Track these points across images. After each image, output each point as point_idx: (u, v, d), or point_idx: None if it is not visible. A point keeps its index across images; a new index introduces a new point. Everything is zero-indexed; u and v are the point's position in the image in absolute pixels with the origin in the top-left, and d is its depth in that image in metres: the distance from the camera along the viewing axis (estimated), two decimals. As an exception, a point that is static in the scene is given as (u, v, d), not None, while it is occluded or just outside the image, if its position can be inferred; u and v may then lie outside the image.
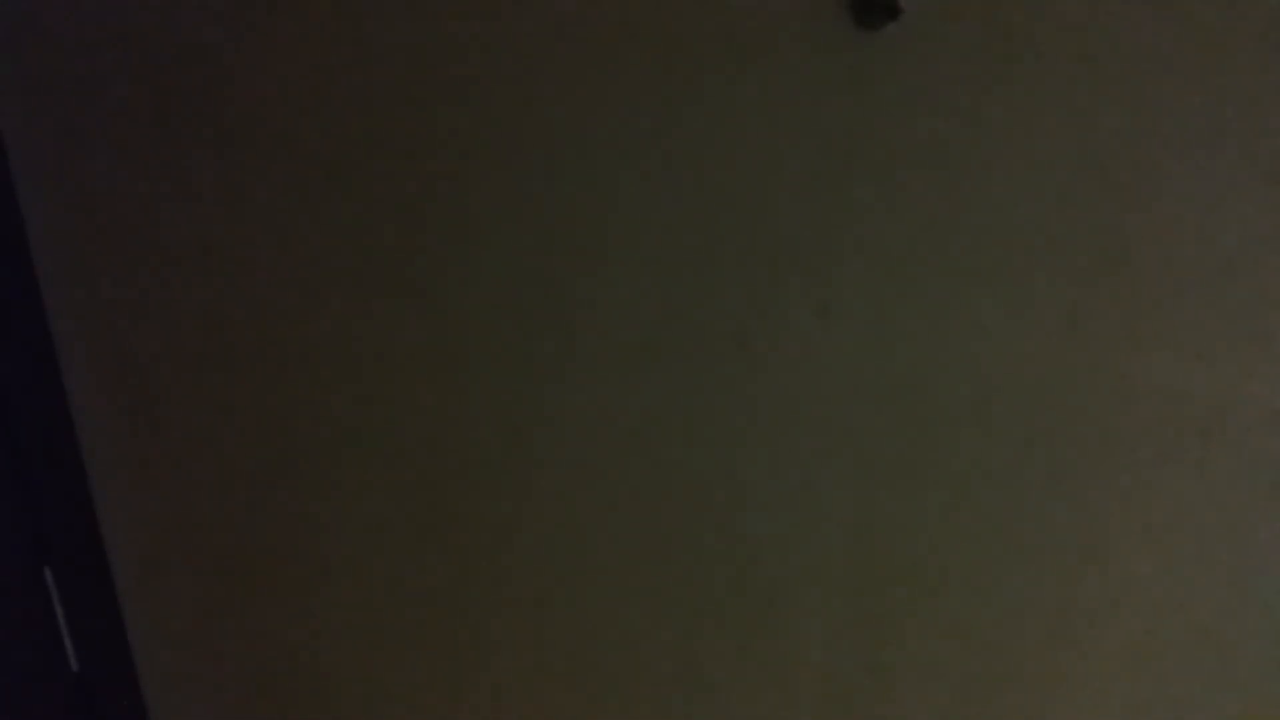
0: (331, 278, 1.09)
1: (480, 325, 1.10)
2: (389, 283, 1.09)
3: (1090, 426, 1.13)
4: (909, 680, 1.24)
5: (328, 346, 1.11)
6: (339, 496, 1.17)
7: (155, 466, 1.16)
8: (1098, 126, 1.03)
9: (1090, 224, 1.06)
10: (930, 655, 1.23)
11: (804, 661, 1.23)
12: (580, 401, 1.13)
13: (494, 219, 1.07)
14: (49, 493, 1.13)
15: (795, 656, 1.23)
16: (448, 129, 1.04)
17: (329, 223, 1.07)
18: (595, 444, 1.15)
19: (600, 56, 1.02)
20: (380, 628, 1.22)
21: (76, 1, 0.99)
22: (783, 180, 1.06)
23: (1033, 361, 1.11)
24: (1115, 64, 1.01)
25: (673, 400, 1.13)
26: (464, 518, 1.18)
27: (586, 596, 1.21)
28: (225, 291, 1.09)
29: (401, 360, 1.12)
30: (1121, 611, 1.20)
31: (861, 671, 1.24)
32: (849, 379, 1.12)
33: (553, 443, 1.15)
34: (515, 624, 1.22)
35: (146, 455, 1.15)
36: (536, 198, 1.06)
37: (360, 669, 1.24)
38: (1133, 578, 1.18)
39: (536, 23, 1.01)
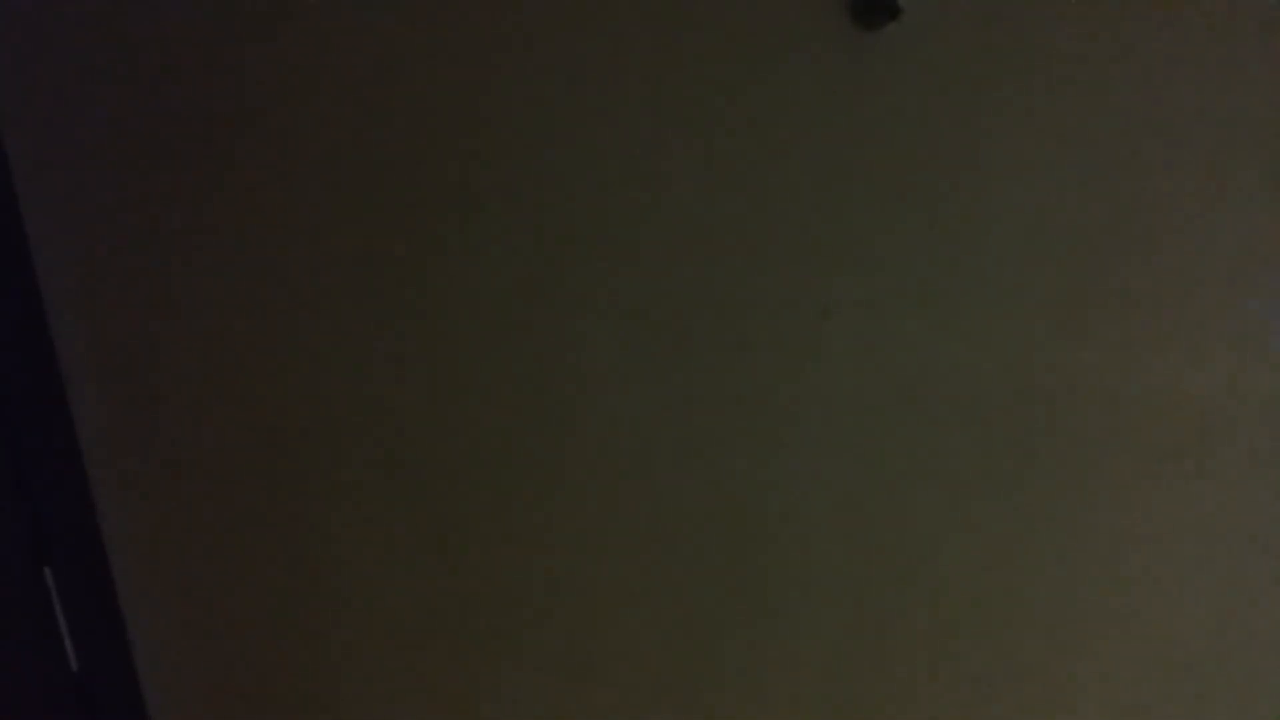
0: (332, 279, 1.09)
1: (481, 326, 1.10)
2: (391, 285, 1.09)
3: (1091, 427, 1.13)
4: (910, 681, 1.24)
5: (329, 347, 1.11)
6: (340, 497, 1.17)
7: (155, 466, 1.16)
8: (1097, 126, 1.03)
9: (1090, 224, 1.06)
10: (931, 656, 1.23)
11: (805, 661, 1.23)
12: (580, 402, 1.13)
13: (495, 221, 1.07)
14: (49, 493, 1.13)
15: (796, 656, 1.23)
16: (448, 132, 1.04)
17: (330, 224, 1.07)
18: (595, 445, 1.15)
19: (600, 57, 1.02)
20: (380, 628, 1.22)
21: (77, 2, 0.99)
22: (783, 180, 1.06)
23: (1033, 362, 1.11)
24: (1114, 64, 1.01)
25: (673, 400, 1.13)
26: (464, 518, 1.18)
27: (585, 596, 1.21)
28: (226, 292, 1.09)
29: (402, 361, 1.12)
30: (1122, 611, 1.20)
31: (862, 672, 1.24)
32: (849, 380, 1.12)
33: (552, 444, 1.15)
34: (515, 624, 1.22)
35: (146, 455, 1.15)
36: (537, 199, 1.06)
37: (361, 669, 1.24)
38: (1133, 578, 1.18)
39: (537, 23, 1.01)
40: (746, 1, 1.00)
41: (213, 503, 1.17)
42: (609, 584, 1.21)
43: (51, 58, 1.01)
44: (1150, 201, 1.05)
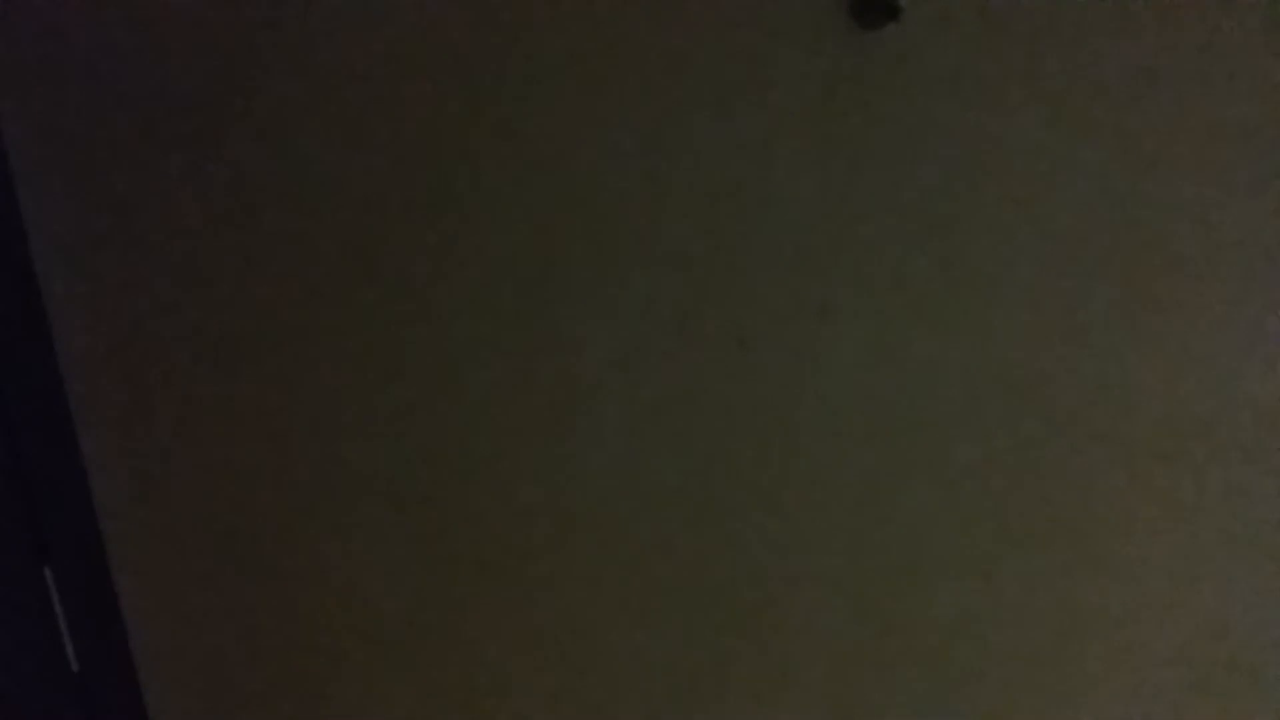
0: (333, 279, 1.09)
1: (480, 325, 1.10)
2: (390, 283, 1.09)
3: (1090, 427, 1.13)
4: (910, 681, 1.24)
5: (328, 345, 1.11)
6: (340, 497, 1.17)
7: (155, 467, 1.16)
8: (1097, 126, 1.03)
9: (1090, 224, 1.06)
10: (931, 656, 1.23)
11: (804, 662, 1.23)
12: (580, 401, 1.13)
13: (495, 221, 1.07)
14: (49, 493, 1.13)
15: (795, 657, 1.23)
16: (448, 133, 1.04)
17: (330, 224, 1.07)
18: (594, 444, 1.15)
19: (600, 57, 1.02)
20: (380, 628, 1.22)
21: (77, 2, 0.99)
22: (783, 180, 1.06)
23: (1032, 361, 1.11)
24: (1114, 63, 1.01)
25: (672, 400, 1.13)
26: (463, 517, 1.18)
27: (585, 596, 1.21)
28: (226, 291, 1.09)
29: (402, 360, 1.12)
30: (1122, 612, 1.20)
31: (862, 672, 1.24)
32: (849, 379, 1.12)
33: (551, 442, 1.15)
34: (514, 623, 1.22)
35: (146, 456, 1.15)
36: (536, 199, 1.06)
37: (360, 669, 1.24)
38: (1133, 578, 1.18)
39: (536, 23, 1.01)
40: (746, 1, 1.00)
41: (212, 503, 1.17)
42: (605, 585, 1.21)
43: (51, 58, 1.01)
44: (1150, 200, 1.05)
